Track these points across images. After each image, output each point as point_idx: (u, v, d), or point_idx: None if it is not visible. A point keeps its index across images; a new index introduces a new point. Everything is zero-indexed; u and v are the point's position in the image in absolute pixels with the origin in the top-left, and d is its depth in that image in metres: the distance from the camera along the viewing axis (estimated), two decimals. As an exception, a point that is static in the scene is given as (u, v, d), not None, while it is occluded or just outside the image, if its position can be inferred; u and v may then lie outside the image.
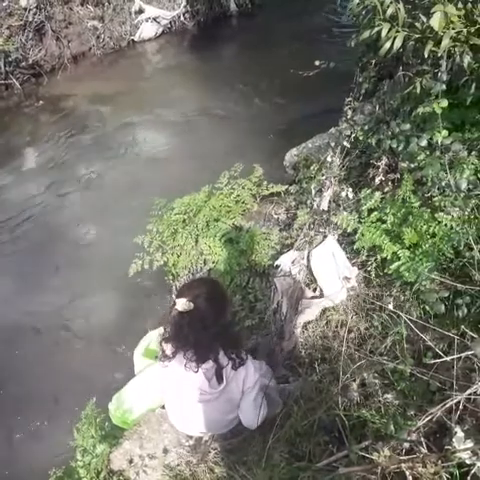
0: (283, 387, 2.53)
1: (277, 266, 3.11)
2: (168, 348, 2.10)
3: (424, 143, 2.02)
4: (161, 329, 2.31)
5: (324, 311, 2.75)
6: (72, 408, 2.78)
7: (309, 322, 2.82)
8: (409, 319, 2.17)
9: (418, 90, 2.05)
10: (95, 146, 5.98)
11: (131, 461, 2.20)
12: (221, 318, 2.07)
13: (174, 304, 2.00)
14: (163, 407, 2.43)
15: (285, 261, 3.06)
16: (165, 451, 2.22)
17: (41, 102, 7.11)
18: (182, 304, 1.96)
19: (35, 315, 3.97)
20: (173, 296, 3.43)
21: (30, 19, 7.21)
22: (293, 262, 3.03)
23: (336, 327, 2.73)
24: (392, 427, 1.67)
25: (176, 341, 2.05)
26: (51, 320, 3.93)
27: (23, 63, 7.31)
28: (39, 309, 4.01)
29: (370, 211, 2.65)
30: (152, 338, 2.67)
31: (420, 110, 2.07)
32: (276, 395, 2.39)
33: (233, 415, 2.26)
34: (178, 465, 2.19)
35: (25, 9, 7.14)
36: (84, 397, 2.64)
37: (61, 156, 5.91)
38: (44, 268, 4.41)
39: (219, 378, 2.07)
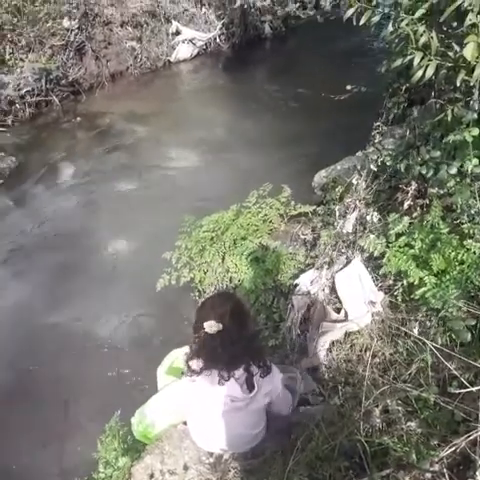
0: (305, 410, 2.52)
1: (296, 285, 3.13)
2: (195, 364, 2.13)
3: (454, 171, 2.03)
4: (186, 348, 2.35)
5: (349, 334, 2.74)
6: (96, 420, 2.82)
7: (333, 344, 2.81)
8: (434, 346, 2.15)
9: (449, 118, 2.06)
10: (129, 163, 6.13)
11: (152, 476, 2.21)
12: (247, 331, 2.16)
13: (202, 327, 2.03)
14: (185, 423, 2.45)
15: (304, 280, 3.08)
16: (185, 468, 2.23)
17: (79, 119, 7.35)
18: (212, 326, 2.01)
19: (63, 327, 4.04)
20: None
21: (72, 39, 7.51)
22: (312, 282, 3.04)
23: (360, 351, 2.72)
24: (414, 456, 1.65)
25: (209, 361, 2.09)
26: (79, 332, 4.00)
27: (63, 81, 7.60)
28: (67, 322, 4.09)
29: (398, 236, 2.65)
30: (176, 356, 2.69)
31: (451, 138, 2.07)
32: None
33: (257, 430, 2.29)
34: (197, 482, 2.20)
35: (67, 30, 7.45)
36: (109, 410, 2.69)
37: (95, 172, 6.07)
38: (74, 281, 4.50)
39: (250, 385, 2.11)
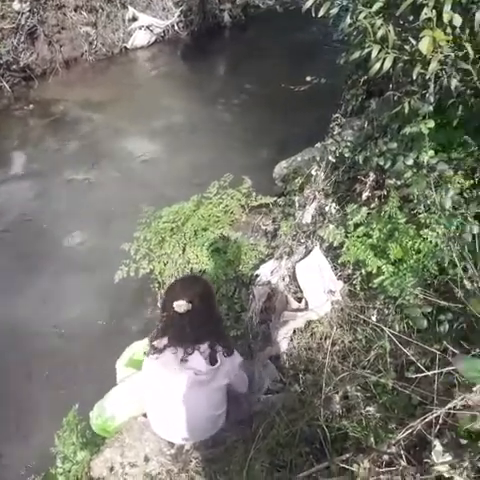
0: (266, 398, 2.54)
1: (257, 275, 3.15)
2: (161, 343, 2.18)
3: (410, 162, 2.08)
4: (146, 340, 2.35)
5: (309, 323, 2.78)
6: (53, 414, 2.74)
7: (294, 332, 2.85)
8: (392, 333, 2.21)
9: (406, 110, 2.10)
10: (84, 152, 5.97)
11: (112, 469, 2.18)
12: (215, 313, 2.30)
13: (171, 306, 2.11)
14: (145, 415, 2.43)
15: (264, 271, 3.10)
16: (146, 459, 2.21)
17: (31, 106, 7.08)
18: (182, 306, 2.09)
19: (20, 319, 3.92)
20: (160, 297, 3.45)
21: (23, 22, 7.18)
22: (272, 272, 3.07)
23: (321, 339, 2.76)
24: (372, 439, 1.69)
25: (175, 339, 2.14)
26: (36, 324, 3.89)
27: (14, 66, 7.27)
28: (24, 313, 3.96)
29: (356, 226, 2.69)
30: (137, 349, 2.67)
31: (407, 130, 2.11)
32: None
33: (219, 411, 2.31)
34: (159, 474, 2.19)
35: (18, 12, 7.12)
36: (66, 403, 2.63)
37: (50, 161, 5.88)
38: (30, 272, 4.37)
39: (213, 360, 2.16)
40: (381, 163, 2.21)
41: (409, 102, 2.09)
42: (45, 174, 5.71)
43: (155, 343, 2.18)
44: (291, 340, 2.84)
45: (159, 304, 3.55)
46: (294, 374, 2.67)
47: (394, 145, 2.15)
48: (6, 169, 5.87)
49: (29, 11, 7.21)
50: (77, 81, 7.63)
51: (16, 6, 7.10)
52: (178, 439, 2.28)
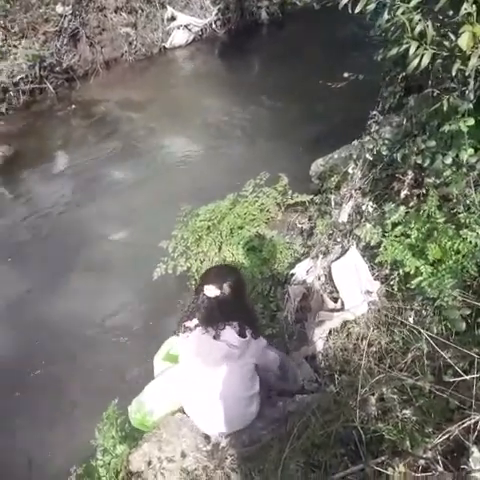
0: (301, 398, 2.54)
1: (292, 274, 3.14)
2: (192, 323, 2.30)
3: (449, 161, 2.03)
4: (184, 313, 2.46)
5: (345, 323, 2.76)
6: (94, 408, 2.83)
7: (330, 333, 2.84)
8: (430, 336, 2.18)
9: (445, 107, 2.05)
10: (125, 151, 6.10)
11: (150, 463, 2.24)
12: (244, 304, 2.40)
13: (202, 289, 2.24)
14: (182, 412, 2.48)
15: (300, 270, 3.09)
16: (183, 455, 2.26)
17: (74, 106, 7.28)
18: (212, 291, 2.22)
19: (60, 315, 4.06)
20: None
21: (65, 25, 7.39)
22: (308, 271, 3.06)
23: (357, 340, 2.74)
24: (408, 443, 1.67)
25: (204, 320, 2.26)
26: (75, 320, 4.02)
27: (57, 68, 7.49)
28: (64, 309, 4.10)
29: (394, 225, 2.65)
30: (173, 344, 2.72)
31: (446, 128, 2.06)
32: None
33: (251, 392, 2.38)
34: (195, 469, 2.23)
35: (61, 15, 7.33)
36: (106, 398, 2.71)
37: (91, 160, 6.04)
38: (70, 269, 4.51)
39: (243, 333, 2.26)
40: (419, 162, 2.18)
41: (448, 99, 2.04)
42: (87, 173, 5.87)
43: (186, 323, 2.30)
44: (327, 340, 2.83)
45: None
46: (330, 374, 2.66)
47: (433, 143, 2.10)
48: (49, 168, 6.08)
49: (71, 14, 7.41)
50: (117, 81, 7.80)
51: (59, 9, 7.31)
52: (214, 430, 2.33)
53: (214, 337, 2.21)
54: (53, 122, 7.03)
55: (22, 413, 3.35)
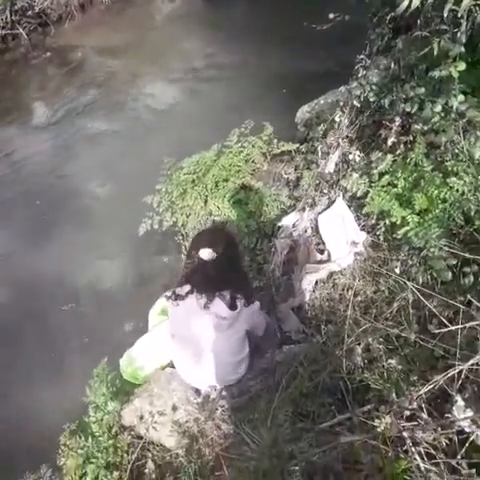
0: (288, 348, 2.58)
1: (279, 227, 3.11)
2: (183, 290, 2.25)
3: (439, 108, 1.97)
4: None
5: (331, 274, 2.77)
6: (84, 364, 2.87)
7: (316, 284, 2.85)
8: (415, 286, 2.19)
9: (435, 51, 1.96)
10: (104, 100, 5.89)
11: (141, 417, 2.28)
12: (238, 265, 2.39)
13: (196, 253, 2.20)
14: (172, 366, 2.51)
15: (287, 223, 3.06)
16: (174, 408, 2.30)
17: (49, 53, 6.98)
18: (207, 254, 2.18)
19: (45, 271, 4.04)
20: (184, 248, 3.49)
21: (35, -35, 6.96)
22: (295, 224, 3.02)
23: (342, 290, 2.75)
24: (394, 394, 1.70)
25: (200, 284, 2.22)
26: (61, 277, 4.00)
27: (29, 12, 7.13)
28: (49, 265, 4.07)
29: (381, 175, 2.61)
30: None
31: (436, 73, 1.98)
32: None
33: (241, 356, 2.40)
34: (186, 422, 2.28)
35: (29, -46, 6.88)
36: (96, 353, 2.74)
37: (70, 111, 5.84)
38: (53, 225, 4.44)
39: (233, 306, 2.23)
40: (408, 109, 2.10)
41: (439, 42, 1.95)
42: (65, 125, 5.70)
43: (177, 290, 2.26)
44: (313, 291, 2.84)
45: (184, 255, 3.59)
46: (316, 325, 2.69)
47: (422, 90, 2.03)
48: (27, 120, 5.88)
49: (40, -48, 6.94)
50: (93, 25, 7.43)
51: None
52: (203, 385, 2.37)
53: (204, 307, 2.18)
54: (28, 71, 6.75)
55: (13, 369, 3.39)
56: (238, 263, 2.42)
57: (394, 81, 2.92)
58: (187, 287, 2.23)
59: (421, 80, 2.50)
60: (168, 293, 2.31)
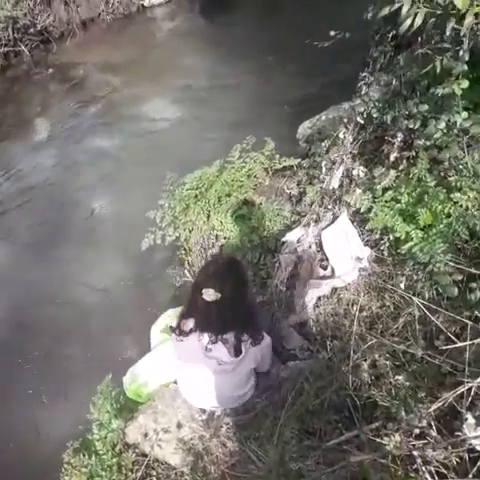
0: (294, 364, 2.56)
1: (283, 243, 3.10)
2: (186, 325, 2.14)
3: (442, 125, 1.98)
4: (182, 308, 2.34)
5: (335, 290, 2.76)
6: (87, 380, 2.84)
7: (320, 299, 2.83)
8: (421, 301, 2.18)
9: (438, 70, 1.98)
10: (106, 117, 5.93)
11: (146, 435, 2.26)
12: (245, 303, 2.17)
13: (200, 291, 2.03)
14: (176, 383, 2.49)
15: (291, 238, 3.05)
16: (179, 426, 2.28)
17: (51, 70, 7.03)
18: (210, 295, 2.01)
19: (46, 287, 4.02)
20: (187, 264, 3.45)
21: (37, -17, 7.05)
22: (299, 239, 3.02)
23: (347, 305, 2.74)
24: (403, 412, 1.68)
25: (200, 325, 2.10)
26: (63, 293, 3.99)
27: (31, 29, 7.19)
28: (50, 281, 4.06)
29: (384, 190, 2.62)
30: (172, 316, 2.70)
31: (440, 91, 2.00)
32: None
33: (245, 390, 2.33)
34: (191, 439, 2.26)
35: (33, -27, 6.98)
36: (99, 370, 2.71)
37: (72, 127, 5.88)
38: (55, 239, 4.44)
39: (237, 350, 2.12)
40: (411, 126, 2.11)
41: (441, 60, 1.97)
42: (68, 140, 5.72)
43: (181, 324, 2.15)
44: (317, 306, 2.83)
45: (187, 271, 3.59)
46: (321, 341, 2.68)
47: (425, 107, 2.04)
48: (29, 136, 5.91)
49: (44, -29, 7.05)
50: (95, 42, 7.51)
51: (30, -33, 6.94)
52: (208, 407, 2.34)
53: (205, 349, 2.09)
54: (30, 87, 6.79)
55: (15, 385, 3.36)
56: (245, 302, 2.20)
57: (396, 97, 2.95)
58: (191, 323, 2.13)
59: (423, 97, 2.52)
60: (173, 324, 2.20)
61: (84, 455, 2.21)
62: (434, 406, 1.59)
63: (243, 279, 2.21)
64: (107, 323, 3.62)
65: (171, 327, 2.23)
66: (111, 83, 6.56)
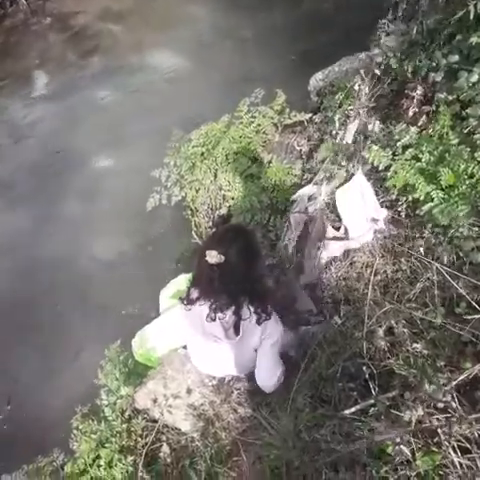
0: (306, 329, 2.50)
1: (293, 201, 2.98)
2: (194, 293, 2.05)
3: (475, 78, 1.81)
4: (191, 275, 2.24)
5: (348, 252, 2.66)
6: (95, 341, 2.82)
7: (332, 261, 2.74)
8: (441, 267, 2.09)
9: (472, 15, 1.79)
10: (108, 69, 5.69)
11: (155, 400, 2.22)
12: (252, 272, 1.98)
13: (204, 254, 1.88)
14: (185, 347, 2.43)
15: (302, 196, 2.93)
16: (189, 391, 2.24)
17: (49, 19, 6.72)
18: (213, 257, 1.85)
19: (51, 246, 3.95)
20: (195, 236, 3.37)
21: None
22: (310, 198, 2.89)
23: (361, 268, 2.65)
24: (425, 383, 1.61)
25: (204, 291, 1.99)
26: (66, 253, 3.92)
27: (27, -25, 6.84)
28: (53, 241, 3.99)
29: (404, 147, 2.47)
30: (182, 282, 2.60)
31: (474, 39, 1.82)
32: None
33: (252, 364, 2.21)
34: (202, 405, 2.22)
35: None
36: (105, 333, 2.68)
37: (73, 80, 5.65)
38: (59, 200, 4.35)
39: (237, 330, 2.00)
40: (438, 79, 1.94)
41: (475, 5, 1.78)
42: (69, 94, 5.52)
43: (191, 291, 2.05)
44: (328, 269, 2.74)
45: (194, 233, 3.49)
46: (333, 305, 2.60)
47: (455, 58, 1.86)
48: (29, 90, 5.71)
49: None
50: (95, -11, 7.12)
51: None
52: (218, 374, 2.29)
53: (206, 320, 1.96)
54: (28, 38, 6.51)
55: (25, 351, 3.34)
56: (253, 271, 1.99)
57: (413, 47, 2.75)
58: (196, 292, 2.02)
59: (446, 47, 2.34)
60: (184, 291, 2.10)
61: (93, 421, 2.18)
62: (458, 378, 1.52)
63: (252, 246, 2.02)
64: (113, 286, 3.57)
65: (180, 298, 2.13)
66: (112, 32, 6.27)
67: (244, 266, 1.93)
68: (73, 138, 4.87)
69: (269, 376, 2.14)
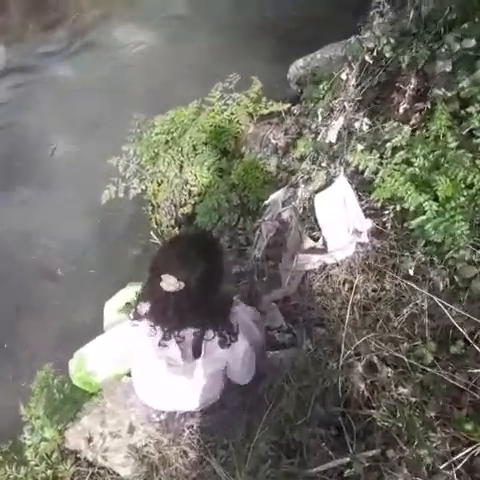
0: (274, 355, 2.16)
1: (266, 206, 2.63)
2: (143, 308, 1.73)
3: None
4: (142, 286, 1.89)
5: (325, 266, 2.34)
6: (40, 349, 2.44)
7: (306, 275, 2.42)
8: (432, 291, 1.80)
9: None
10: (71, 45, 5.16)
11: (90, 440, 1.87)
12: (215, 295, 1.67)
13: (159, 276, 1.54)
14: (130, 375, 2.07)
15: (276, 200, 2.57)
16: (131, 429, 1.90)
17: (10, -15, 6.13)
18: (170, 285, 1.53)
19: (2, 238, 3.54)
20: (154, 236, 3.02)
21: None
22: (284, 202, 2.55)
23: (338, 284, 2.33)
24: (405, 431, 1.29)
25: (154, 317, 1.68)
26: (17, 245, 3.51)
27: None
28: (5, 234, 3.57)
29: (394, 150, 2.15)
30: (131, 293, 2.22)
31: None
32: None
33: (207, 396, 1.91)
34: (146, 446, 1.88)
35: None
36: (51, 339, 2.30)
37: (33, 55, 5.12)
38: (12, 184, 3.92)
39: (196, 351, 1.71)
40: (448, 69, 1.61)
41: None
42: (27, 71, 4.99)
43: (139, 306, 1.73)
44: (302, 283, 2.42)
45: (153, 232, 3.12)
46: (305, 325, 2.29)
47: (471, 43, 1.53)
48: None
49: None
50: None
51: None
52: (166, 407, 1.94)
53: (158, 344, 1.67)
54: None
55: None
56: (216, 295, 1.69)
57: (405, 35, 2.42)
58: (146, 307, 1.70)
59: (450, 34, 2.01)
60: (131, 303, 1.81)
61: (12, 462, 1.80)
62: (458, 455, 1.20)
63: (217, 266, 1.67)
64: (60, 281, 3.18)
65: (127, 311, 1.82)
66: (78, 4, 5.73)
67: (207, 292, 1.62)
68: (27, 116, 4.40)
69: (243, 377, 1.97)
